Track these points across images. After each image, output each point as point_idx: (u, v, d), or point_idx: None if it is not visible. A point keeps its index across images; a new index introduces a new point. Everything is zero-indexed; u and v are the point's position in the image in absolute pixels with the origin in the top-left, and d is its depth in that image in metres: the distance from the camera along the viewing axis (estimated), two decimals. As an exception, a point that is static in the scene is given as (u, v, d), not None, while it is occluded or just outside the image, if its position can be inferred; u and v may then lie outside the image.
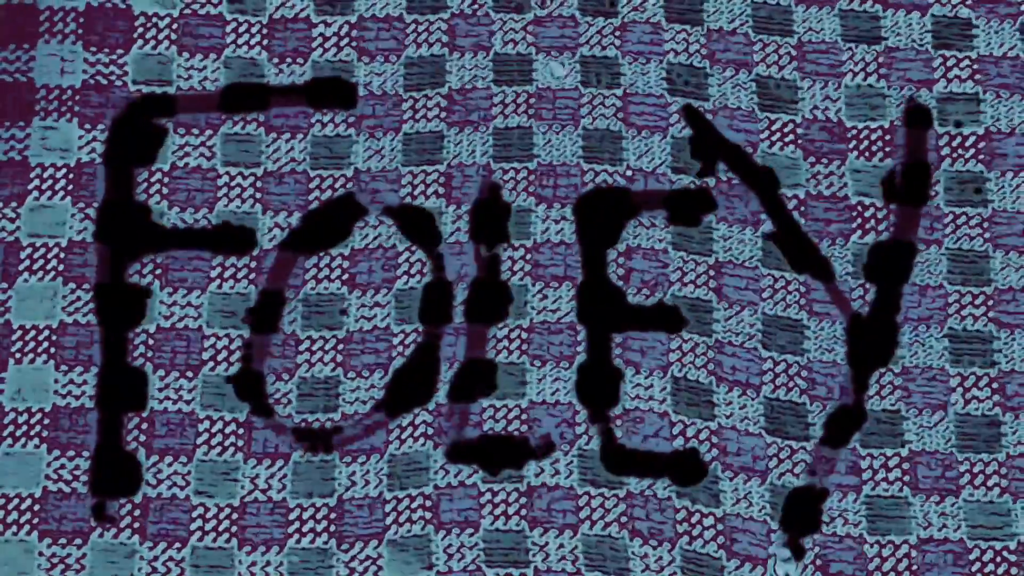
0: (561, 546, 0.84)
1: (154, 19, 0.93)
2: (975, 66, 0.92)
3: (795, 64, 0.92)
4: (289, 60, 0.92)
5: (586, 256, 0.89)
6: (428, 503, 0.84)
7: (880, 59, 0.92)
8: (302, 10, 0.94)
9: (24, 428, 0.85)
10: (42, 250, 0.88)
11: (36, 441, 0.85)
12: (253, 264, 0.89)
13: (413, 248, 0.89)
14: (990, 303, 0.88)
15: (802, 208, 0.90)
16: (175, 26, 0.93)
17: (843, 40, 0.93)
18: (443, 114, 0.91)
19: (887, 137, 0.91)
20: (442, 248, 0.89)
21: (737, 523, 0.84)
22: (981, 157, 0.90)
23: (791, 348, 0.87)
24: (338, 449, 0.86)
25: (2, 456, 0.85)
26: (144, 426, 0.86)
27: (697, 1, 0.93)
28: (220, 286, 0.88)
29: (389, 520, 0.84)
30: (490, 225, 0.89)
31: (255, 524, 0.85)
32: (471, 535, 0.84)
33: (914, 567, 0.84)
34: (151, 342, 0.87)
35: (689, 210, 0.89)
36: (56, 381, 0.86)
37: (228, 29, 0.93)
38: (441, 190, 0.90)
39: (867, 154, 0.91)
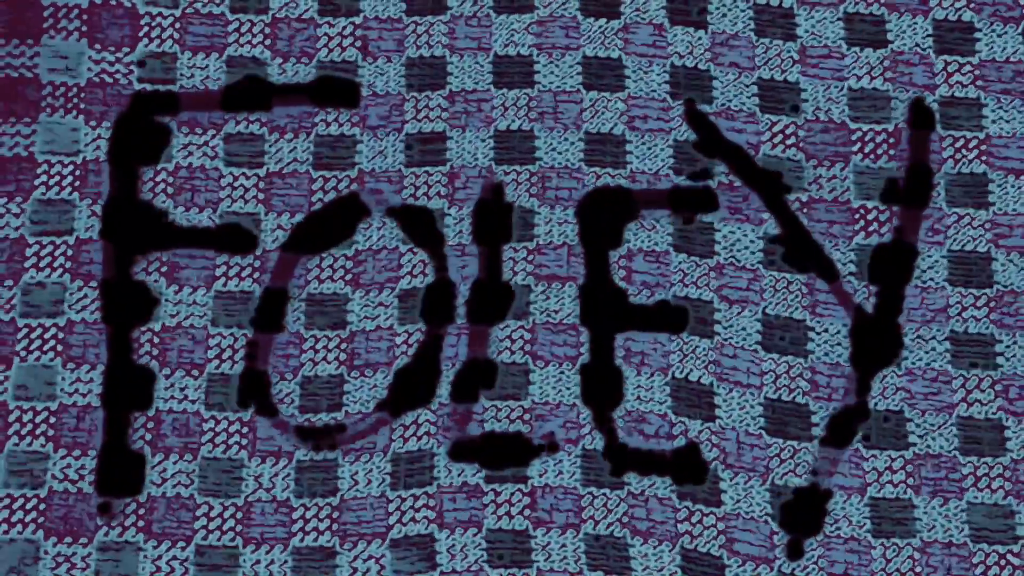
0: (563, 546, 0.84)
1: (158, 18, 0.93)
2: (977, 71, 0.92)
3: (798, 67, 0.92)
4: (294, 60, 0.93)
5: (589, 257, 0.89)
6: (431, 502, 0.85)
7: (885, 62, 0.92)
8: (306, 10, 0.94)
9: (29, 427, 0.86)
10: (49, 247, 0.89)
11: (42, 440, 0.86)
12: (257, 263, 0.89)
13: (416, 248, 0.89)
14: (992, 305, 0.88)
15: (804, 210, 0.90)
16: (178, 24, 0.93)
17: (847, 44, 0.93)
18: (445, 115, 0.91)
19: (891, 140, 0.91)
20: (445, 249, 0.89)
21: (738, 523, 0.84)
22: (984, 159, 0.91)
23: (793, 349, 0.87)
24: (341, 448, 0.86)
25: (7, 454, 0.85)
26: (150, 425, 0.86)
27: (700, 3, 0.93)
28: (225, 285, 0.89)
29: (392, 519, 0.85)
30: (493, 226, 0.89)
31: (259, 523, 0.85)
32: (475, 535, 0.84)
33: (918, 569, 0.84)
34: (156, 340, 0.88)
35: (692, 207, 0.90)
36: (63, 379, 0.86)
37: (231, 28, 0.93)
38: (444, 191, 0.90)
39: (872, 156, 0.91)
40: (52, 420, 0.86)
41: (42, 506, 0.84)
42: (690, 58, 0.92)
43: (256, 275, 0.89)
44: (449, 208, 0.90)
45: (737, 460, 0.85)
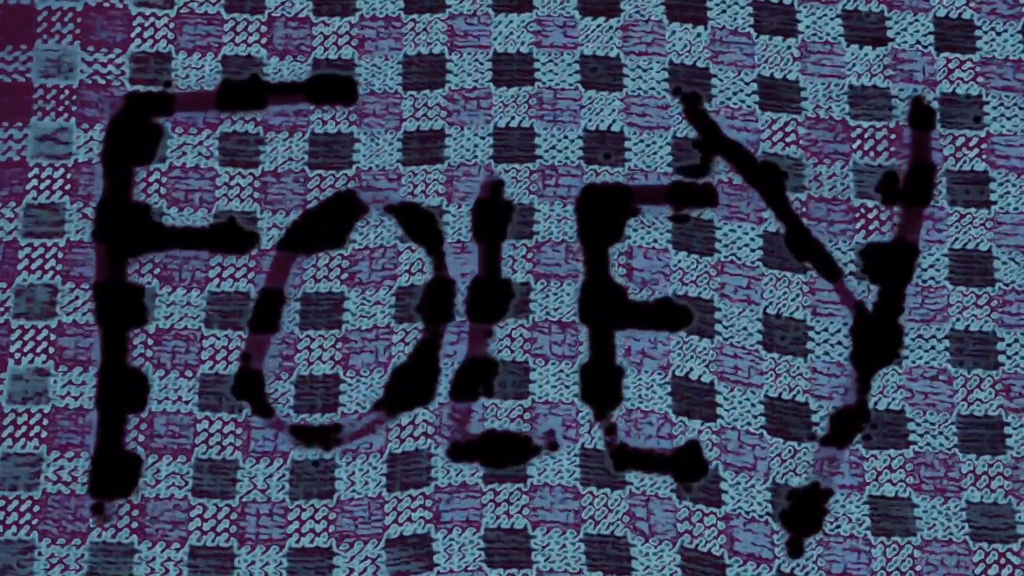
0: (563, 546, 0.83)
1: (151, 19, 0.93)
2: (977, 68, 0.92)
3: (799, 64, 0.92)
4: (290, 58, 0.92)
5: (588, 255, 0.89)
6: (429, 503, 0.84)
7: (884, 60, 0.93)
8: (301, 10, 0.93)
9: (24, 429, 0.85)
10: (40, 250, 0.88)
11: (36, 442, 0.85)
12: (252, 264, 0.89)
13: (413, 246, 0.89)
14: (994, 303, 0.88)
15: (805, 209, 0.90)
16: (172, 25, 0.93)
17: (846, 40, 0.93)
18: (443, 113, 0.91)
19: (892, 137, 0.91)
20: (444, 247, 0.89)
21: (738, 522, 0.84)
22: (984, 158, 0.91)
23: (793, 348, 0.87)
24: (337, 448, 0.85)
25: (1, 457, 0.85)
26: (143, 426, 0.86)
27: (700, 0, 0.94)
28: (219, 285, 0.88)
29: (389, 519, 0.84)
30: (492, 223, 0.89)
31: (255, 524, 0.84)
32: (473, 534, 0.84)
33: (918, 568, 0.84)
34: (150, 342, 0.87)
35: (692, 204, 0.89)
36: (55, 382, 0.86)
37: (226, 28, 0.93)
38: (443, 189, 0.90)
39: (872, 154, 0.91)
40: (45, 422, 0.85)
41: (36, 507, 0.84)
42: (689, 56, 0.93)
43: (251, 276, 0.88)
44: (448, 206, 0.90)
45: (738, 459, 0.85)
